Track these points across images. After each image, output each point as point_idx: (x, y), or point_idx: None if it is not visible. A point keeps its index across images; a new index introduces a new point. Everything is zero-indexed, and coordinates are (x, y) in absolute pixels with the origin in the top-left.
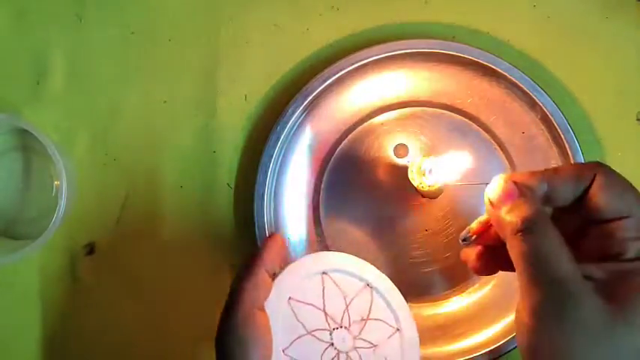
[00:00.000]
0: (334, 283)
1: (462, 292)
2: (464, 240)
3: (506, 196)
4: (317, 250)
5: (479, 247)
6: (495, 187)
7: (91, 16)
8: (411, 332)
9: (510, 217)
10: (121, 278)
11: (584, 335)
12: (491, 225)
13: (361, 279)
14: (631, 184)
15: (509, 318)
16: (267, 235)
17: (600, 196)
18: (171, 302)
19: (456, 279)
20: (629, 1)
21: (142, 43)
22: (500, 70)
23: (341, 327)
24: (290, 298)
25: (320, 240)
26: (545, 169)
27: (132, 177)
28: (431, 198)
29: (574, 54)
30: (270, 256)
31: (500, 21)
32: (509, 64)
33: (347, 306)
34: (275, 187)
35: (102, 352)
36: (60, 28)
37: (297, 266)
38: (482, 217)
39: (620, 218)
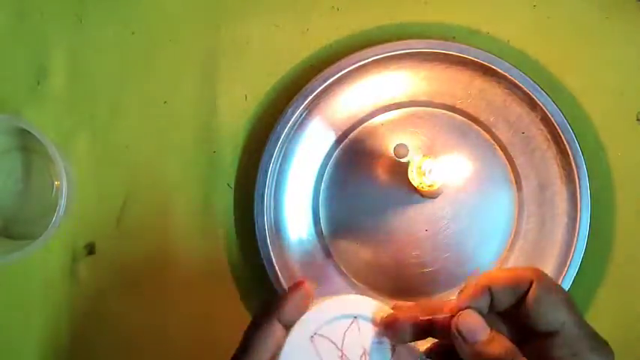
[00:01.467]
0: (358, 328)
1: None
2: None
3: (480, 330)
4: (317, 249)
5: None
6: (467, 321)
7: (91, 16)
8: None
9: (492, 349)
10: (121, 278)
11: None
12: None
13: (344, 316)
14: (566, 296)
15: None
16: (294, 281)
17: (534, 308)
18: (171, 302)
19: (455, 279)
20: (629, 1)
21: (142, 43)
22: (500, 70)
23: None
24: (315, 334)
25: (320, 240)
26: (483, 278)
27: (132, 177)
28: (431, 198)
29: (574, 54)
30: (290, 309)
31: (500, 21)
32: (509, 64)
33: (365, 355)
34: (275, 187)
35: (102, 352)
36: (60, 28)
37: (329, 305)
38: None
39: (552, 334)
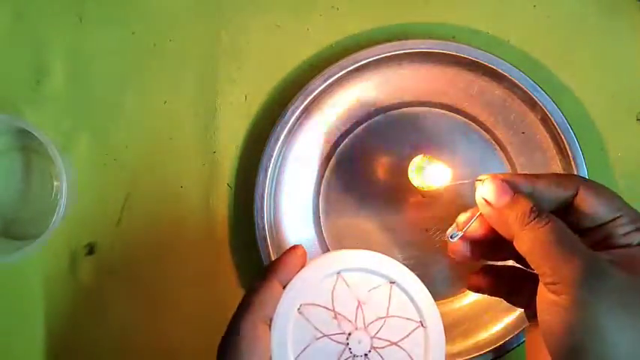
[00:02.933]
0: (346, 283)
1: (462, 292)
2: (452, 237)
3: (502, 193)
4: (317, 249)
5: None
6: (489, 185)
7: (91, 16)
8: (436, 325)
9: (514, 211)
10: (121, 278)
11: (618, 306)
12: (476, 218)
13: (379, 275)
14: (611, 190)
15: (510, 318)
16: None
17: (590, 204)
18: (171, 302)
19: (455, 279)
20: (629, 1)
21: (142, 43)
22: (500, 70)
23: (356, 329)
24: (301, 304)
25: (320, 240)
26: (528, 174)
27: (132, 177)
28: (431, 198)
29: (574, 54)
30: (286, 268)
31: (500, 21)
32: (509, 64)
33: (360, 306)
34: (275, 187)
35: (102, 352)
36: (60, 28)
37: (310, 270)
38: (466, 213)
39: (614, 219)
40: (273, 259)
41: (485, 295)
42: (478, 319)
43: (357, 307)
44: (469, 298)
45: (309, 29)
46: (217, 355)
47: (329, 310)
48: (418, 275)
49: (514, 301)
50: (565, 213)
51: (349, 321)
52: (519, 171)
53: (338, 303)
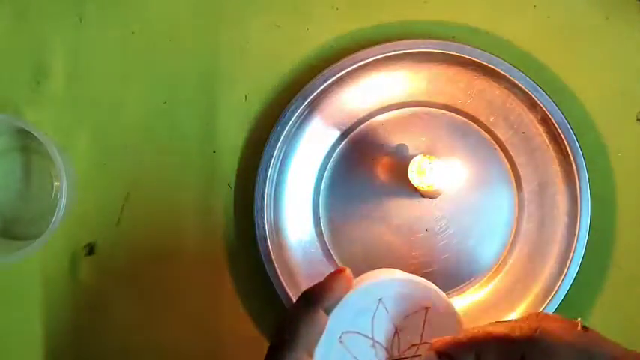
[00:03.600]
0: (386, 309)
1: (462, 292)
2: None
3: None
4: (317, 249)
5: None
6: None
7: (91, 16)
8: None
9: None
10: (121, 278)
11: None
12: None
13: (416, 300)
14: (572, 353)
15: (510, 318)
16: (336, 269)
17: None
18: (171, 302)
19: (455, 279)
20: (629, 1)
21: (142, 43)
22: (500, 70)
23: (391, 357)
24: (342, 333)
25: (320, 240)
26: (473, 336)
27: (132, 177)
28: (431, 198)
29: (574, 54)
30: (333, 295)
31: (500, 21)
32: (509, 64)
33: (397, 333)
34: (275, 187)
35: (102, 351)
36: (60, 28)
37: (352, 296)
38: None
39: None
40: (273, 259)
41: (483, 297)
42: (475, 320)
43: (395, 334)
44: (467, 299)
45: (309, 29)
46: None
47: (368, 338)
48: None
49: None
50: None
51: (385, 349)
52: (519, 171)
53: (377, 330)
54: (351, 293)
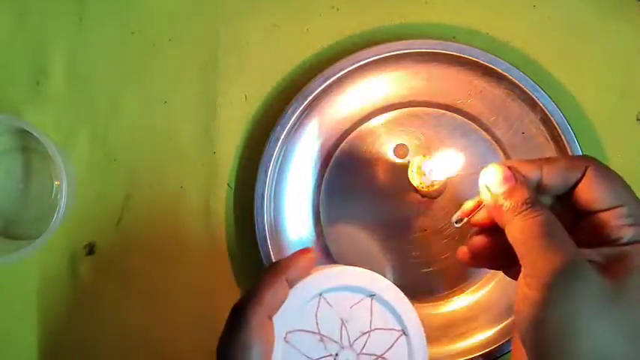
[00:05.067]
0: (328, 303)
1: (462, 292)
2: (457, 222)
3: (503, 181)
4: (317, 249)
5: (475, 241)
6: (492, 173)
7: (91, 16)
8: (417, 332)
9: (509, 200)
10: (121, 278)
11: (590, 309)
12: (483, 207)
13: (359, 291)
14: (620, 177)
15: (509, 318)
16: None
17: (593, 189)
18: (171, 302)
19: (455, 279)
20: (629, 1)
21: (142, 43)
22: (500, 70)
23: (342, 348)
24: (287, 333)
25: (320, 240)
26: (538, 159)
27: (132, 177)
28: (431, 198)
29: (574, 54)
30: (296, 269)
31: (500, 21)
32: (509, 64)
33: (344, 325)
34: (275, 187)
35: (102, 352)
36: (60, 28)
37: (291, 296)
38: (473, 201)
39: (614, 208)
40: (273, 259)
41: (483, 297)
42: (475, 320)
43: (342, 326)
44: (467, 299)
45: (309, 29)
46: (221, 344)
47: (314, 333)
48: (418, 275)
49: (511, 274)
50: (569, 195)
51: (335, 342)
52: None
53: (322, 325)
54: (291, 291)
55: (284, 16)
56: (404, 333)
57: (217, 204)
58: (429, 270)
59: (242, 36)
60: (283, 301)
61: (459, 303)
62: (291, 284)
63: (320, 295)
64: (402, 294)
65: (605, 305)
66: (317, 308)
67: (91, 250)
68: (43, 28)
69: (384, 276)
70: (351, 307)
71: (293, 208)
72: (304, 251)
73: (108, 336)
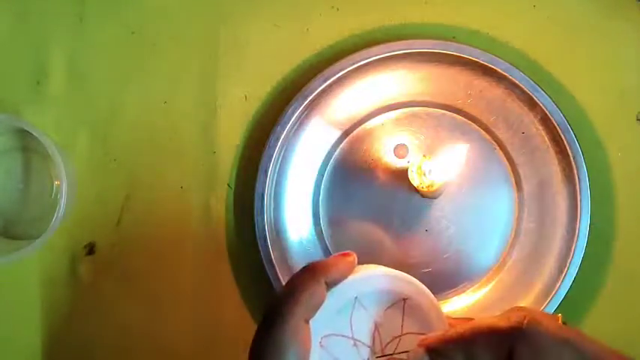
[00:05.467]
0: (363, 307)
1: (462, 292)
2: None
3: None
4: (317, 249)
5: None
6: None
7: (91, 16)
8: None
9: None
10: (121, 278)
11: None
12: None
13: (392, 294)
14: (560, 344)
15: None
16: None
17: None
18: (171, 302)
19: (455, 279)
20: (629, 1)
21: (142, 43)
22: (500, 70)
23: (374, 352)
24: (322, 337)
25: (320, 240)
26: (462, 333)
27: (132, 177)
28: (431, 198)
29: (574, 54)
30: (336, 272)
31: (500, 21)
32: (509, 64)
33: (377, 329)
34: (275, 187)
35: (102, 352)
36: (60, 28)
37: (329, 300)
38: None
39: None
40: (273, 259)
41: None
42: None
43: (374, 330)
44: (467, 300)
45: (309, 29)
46: (255, 343)
47: (349, 338)
48: (418, 275)
49: None
50: None
51: (367, 346)
52: (519, 171)
53: (356, 328)
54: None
55: (284, 16)
56: None
57: (217, 204)
58: (429, 270)
59: (242, 36)
60: (321, 304)
61: (459, 303)
62: (329, 287)
63: (356, 298)
64: (433, 297)
65: None
66: (352, 312)
67: (91, 250)
68: (43, 28)
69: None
70: (385, 311)
71: (293, 208)
72: (345, 254)
73: (108, 336)
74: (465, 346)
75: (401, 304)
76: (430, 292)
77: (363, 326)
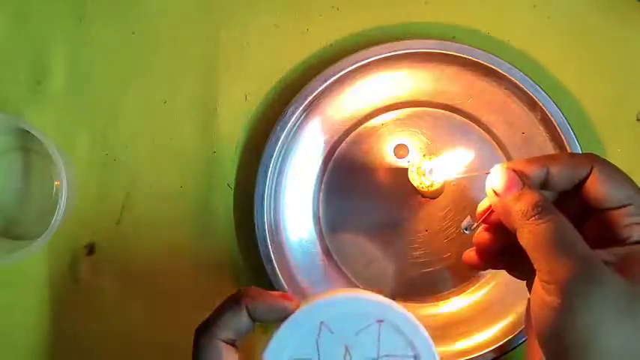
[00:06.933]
0: (330, 330)
1: (462, 292)
2: (465, 229)
3: (510, 185)
4: (317, 249)
5: (482, 238)
6: (498, 176)
7: (91, 16)
8: (430, 357)
9: (519, 204)
10: (121, 278)
11: (611, 312)
12: (492, 212)
13: (366, 317)
14: (626, 175)
15: (510, 318)
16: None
17: (600, 187)
18: (172, 302)
19: (456, 279)
20: (629, 1)
21: (142, 43)
22: (500, 71)
23: None
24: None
25: (320, 240)
26: (543, 157)
27: (132, 177)
28: (431, 198)
29: (574, 54)
30: (262, 300)
31: (500, 21)
32: (510, 64)
33: (348, 352)
34: (275, 187)
35: (102, 352)
36: (60, 29)
37: (289, 326)
38: (482, 205)
39: (622, 207)
40: (273, 259)
41: (484, 297)
42: (476, 320)
43: (345, 354)
44: (467, 299)
45: (309, 29)
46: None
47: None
48: (418, 275)
49: (516, 273)
50: (576, 192)
51: None
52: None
53: (323, 353)
54: (287, 323)
55: (284, 16)
56: (415, 358)
57: (217, 204)
58: (429, 270)
59: (242, 36)
60: (243, 327)
61: (459, 303)
62: (252, 315)
63: (321, 322)
64: (414, 318)
65: (626, 306)
66: (318, 335)
67: (91, 250)
68: (43, 28)
69: (384, 277)
70: (357, 334)
71: (293, 208)
72: (283, 295)
73: (108, 336)
74: (547, 162)
75: (376, 325)
76: (407, 312)
77: (331, 350)
